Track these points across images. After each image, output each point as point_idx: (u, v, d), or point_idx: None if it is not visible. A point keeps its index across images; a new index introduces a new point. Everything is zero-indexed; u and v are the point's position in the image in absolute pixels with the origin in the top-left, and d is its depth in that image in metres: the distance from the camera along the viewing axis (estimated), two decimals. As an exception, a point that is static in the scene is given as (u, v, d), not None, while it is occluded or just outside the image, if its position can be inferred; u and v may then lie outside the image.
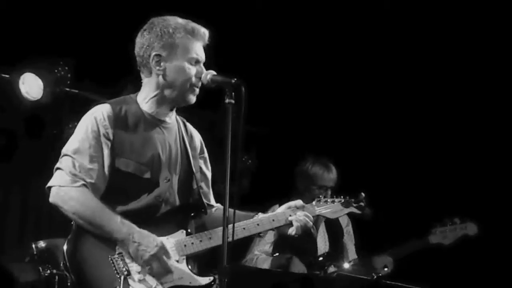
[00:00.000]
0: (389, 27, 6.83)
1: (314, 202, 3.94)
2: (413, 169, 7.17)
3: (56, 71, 6.22)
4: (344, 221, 5.95)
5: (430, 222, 5.81)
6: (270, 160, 7.21)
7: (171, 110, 3.75)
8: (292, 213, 3.76)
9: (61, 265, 3.50)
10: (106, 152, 3.55)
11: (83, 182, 3.49)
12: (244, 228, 3.66)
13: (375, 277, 5.60)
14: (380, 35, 6.90)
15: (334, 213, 3.98)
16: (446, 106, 7.11)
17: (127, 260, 3.47)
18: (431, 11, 6.60)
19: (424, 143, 7.22)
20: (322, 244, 5.81)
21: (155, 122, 3.69)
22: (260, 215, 3.77)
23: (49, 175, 3.59)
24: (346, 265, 5.71)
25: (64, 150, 3.56)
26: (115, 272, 3.44)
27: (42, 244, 5.40)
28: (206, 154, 3.92)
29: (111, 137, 3.57)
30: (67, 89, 6.32)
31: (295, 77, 7.12)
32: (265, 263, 5.59)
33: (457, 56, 6.84)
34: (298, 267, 5.54)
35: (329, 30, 6.87)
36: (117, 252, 3.48)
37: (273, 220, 3.74)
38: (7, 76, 6.09)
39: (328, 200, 3.98)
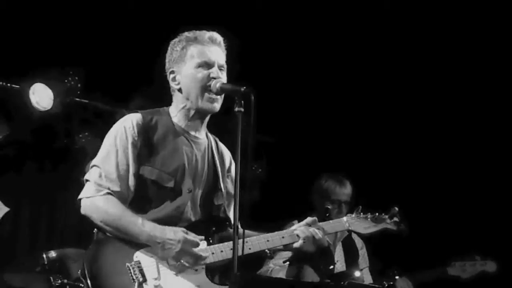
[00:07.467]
0: (401, 44, 6.80)
1: (345, 218, 3.97)
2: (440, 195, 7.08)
3: (66, 81, 6.23)
4: (359, 244, 5.99)
5: (449, 254, 5.95)
6: (280, 168, 7.19)
7: (201, 123, 3.78)
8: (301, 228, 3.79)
9: (79, 272, 3.55)
10: (132, 160, 3.61)
11: (108, 191, 3.56)
12: (258, 243, 3.69)
13: (386, 285, 5.59)
14: (394, 50, 6.87)
15: (366, 228, 3.99)
16: (473, 141, 7.01)
17: (144, 267, 3.50)
18: (431, 12, 6.56)
19: (455, 175, 7.09)
20: (339, 263, 5.81)
21: (184, 134, 3.74)
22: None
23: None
24: (357, 273, 5.70)
25: (94, 161, 3.63)
26: (131, 278, 3.46)
27: (53, 254, 5.39)
28: (233, 174, 3.90)
29: (138, 145, 3.63)
30: (77, 99, 6.33)
31: (306, 85, 7.10)
32: (280, 273, 5.58)
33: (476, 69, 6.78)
34: (311, 276, 5.53)
35: (344, 39, 6.86)
36: (134, 260, 3.51)
37: (283, 237, 3.76)
38: (17, 86, 6.11)
39: (361, 216, 3.99)
